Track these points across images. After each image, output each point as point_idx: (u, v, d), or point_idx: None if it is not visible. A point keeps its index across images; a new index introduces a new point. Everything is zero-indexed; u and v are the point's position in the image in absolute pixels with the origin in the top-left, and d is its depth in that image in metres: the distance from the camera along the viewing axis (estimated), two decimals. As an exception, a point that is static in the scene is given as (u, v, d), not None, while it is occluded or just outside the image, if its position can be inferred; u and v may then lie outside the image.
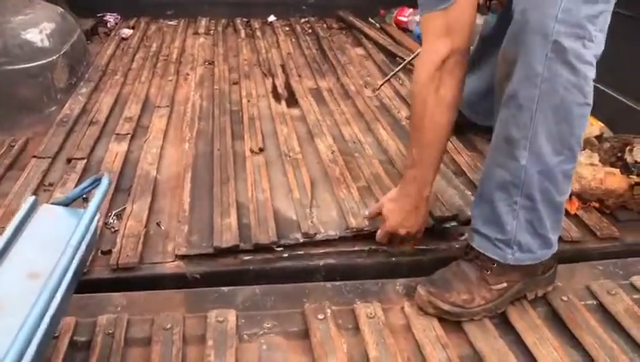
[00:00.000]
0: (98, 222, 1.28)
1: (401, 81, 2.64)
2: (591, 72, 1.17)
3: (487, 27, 1.93)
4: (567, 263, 1.43)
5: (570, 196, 1.61)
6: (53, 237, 1.06)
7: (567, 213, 1.57)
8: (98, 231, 1.37)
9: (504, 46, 1.24)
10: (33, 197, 1.11)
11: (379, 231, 1.49)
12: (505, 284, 1.28)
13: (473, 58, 1.97)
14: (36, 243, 1.04)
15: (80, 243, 0.95)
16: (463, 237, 1.52)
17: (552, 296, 1.32)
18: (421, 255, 1.47)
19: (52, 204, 1.14)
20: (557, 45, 1.13)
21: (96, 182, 1.12)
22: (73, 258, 0.92)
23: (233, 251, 1.44)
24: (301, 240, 1.48)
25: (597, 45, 1.16)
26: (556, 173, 1.20)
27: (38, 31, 2.21)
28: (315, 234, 1.50)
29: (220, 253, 1.43)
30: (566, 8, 1.12)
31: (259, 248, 1.45)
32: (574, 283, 1.38)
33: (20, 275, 0.95)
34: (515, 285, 1.29)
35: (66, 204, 1.15)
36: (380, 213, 1.49)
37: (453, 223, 1.56)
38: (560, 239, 1.36)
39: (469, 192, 1.68)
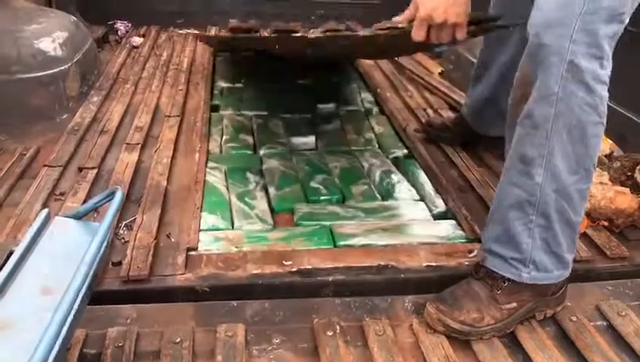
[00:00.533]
0: (110, 234, 1.29)
1: (409, 94, 2.65)
2: (606, 92, 1.18)
3: (491, 36, 1.94)
4: (576, 282, 1.42)
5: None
6: (66, 251, 1.07)
7: (576, 232, 1.57)
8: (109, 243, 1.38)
9: (521, 67, 1.25)
10: (46, 210, 1.12)
11: (414, 25, 1.38)
12: (515, 304, 1.28)
13: (478, 68, 2.00)
14: (49, 258, 1.04)
15: (94, 260, 0.96)
16: (471, 255, 1.52)
17: (562, 316, 1.32)
18: (430, 272, 1.47)
19: (65, 216, 1.15)
20: (572, 65, 1.14)
21: (110, 196, 1.13)
22: (88, 275, 0.92)
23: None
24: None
25: (610, 64, 1.17)
26: (572, 192, 1.21)
27: (51, 40, 2.22)
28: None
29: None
30: (581, 29, 1.13)
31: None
32: (584, 303, 1.37)
33: (34, 291, 0.96)
34: (525, 305, 1.29)
35: (79, 216, 1.15)
36: (413, 14, 1.39)
37: (495, 23, 1.53)
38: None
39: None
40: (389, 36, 1.50)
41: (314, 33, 1.67)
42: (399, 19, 1.45)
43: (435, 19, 1.35)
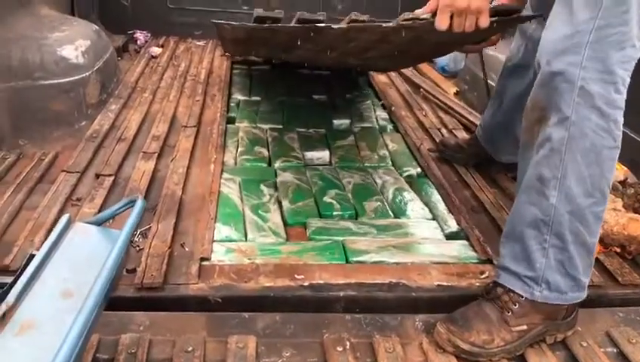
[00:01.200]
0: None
1: (424, 113, 2.67)
2: (621, 116, 1.21)
3: (508, 62, 1.97)
4: (588, 308, 1.42)
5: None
6: (86, 257, 1.09)
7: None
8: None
9: (534, 93, 1.28)
10: (67, 215, 1.14)
11: (437, 14, 1.39)
12: (525, 326, 1.28)
13: (494, 97, 2.03)
14: (69, 262, 1.06)
15: (115, 266, 0.97)
16: (483, 276, 1.53)
17: (572, 340, 1.32)
18: (440, 291, 1.48)
19: (85, 222, 1.17)
20: (583, 91, 1.17)
21: (130, 203, 1.15)
22: (109, 280, 0.94)
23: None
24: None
25: (626, 88, 1.19)
26: (587, 214, 1.23)
27: (74, 47, 2.27)
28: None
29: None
30: (591, 57, 1.16)
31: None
32: (594, 329, 1.37)
33: (55, 293, 0.97)
34: (536, 328, 1.29)
35: (98, 223, 1.17)
36: (436, 5, 1.40)
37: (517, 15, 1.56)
38: (580, 283, 1.36)
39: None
40: (412, 28, 1.50)
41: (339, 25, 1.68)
42: (422, 11, 1.46)
43: (458, 4, 1.36)
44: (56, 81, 2.17)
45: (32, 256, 1.12)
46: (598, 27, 1.16)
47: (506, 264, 1.32)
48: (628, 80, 1.20)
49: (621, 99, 1.20)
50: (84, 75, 2.28)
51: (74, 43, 2.29)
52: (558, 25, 1.22)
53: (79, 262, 1.07)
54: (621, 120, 1.21)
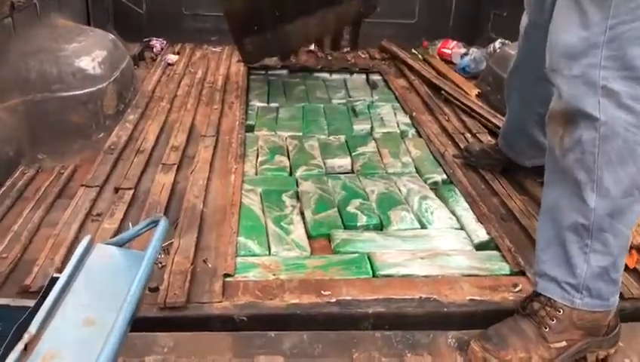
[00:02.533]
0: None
1: (446, 117, 2.61)
2: None
3: (512, 65, 1.93)
4: (628, 322, 1.36)
5: (630, 249, 1.55)
6: (109, 281, 1.06)
7: (627, 267, 1.50)
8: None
9: (556, 98, 1.25)
10: (88, 236, 1.10)
11: None
12: (564, 343, 1.23)
13: (507, 98, 1.98)
14: (91, 287, 1.03)
15: (140, 293, 0.94)
16: (516, 289, 1.47)
17: (615, 358, 1.26)
18: (473, 306, 1.42)
19: (106, 243, 1.13)
20: (607, 90, 1.15)
21: (153, 223, 1.11)
22: (133, 309, 0.90)
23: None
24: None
25: None
26: (627, 213, 1.20)
27: (91, 59, 2.25)
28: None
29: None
30: (609, 55, 1.14)
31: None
32: (636, 343, 1.31)
33: (77, 322, 0.94)
34: (576, 344, 1.24)
35: (120, 244, 1.14)
36: None
37: None
38: (620, 296, 1.31)
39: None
40: None
41: None
42: None
43: None
44: (73, 93, 2.16)
45: (53, 279, 1.09)
46: (611, 26, 1.13)
47: (544, 270, 1.27)
48: None
49: None
50: (101, 85, 2.26)
51: (91, 54, 2.28)
52: (570, 28, 1.18)
53: (101, 287, 1.03)
54: None
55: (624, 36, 1.13)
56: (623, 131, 1.15)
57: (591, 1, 1.14)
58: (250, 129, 2.49)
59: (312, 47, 3.62)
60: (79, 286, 1.03)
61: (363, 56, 3.63)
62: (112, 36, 2.60)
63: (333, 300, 1.41)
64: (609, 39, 1.13)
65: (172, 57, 3.31)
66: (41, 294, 1.05)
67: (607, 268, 1.21)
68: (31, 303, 1.08)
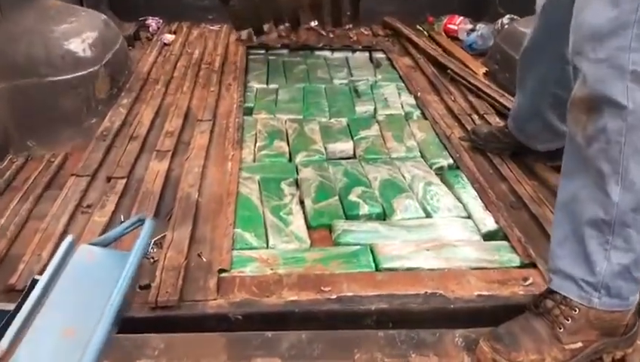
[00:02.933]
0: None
1: (452, 97, 2.51)
2: None
3: (526, 45, 1.81)
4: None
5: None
6: (92, 284, 0.99)
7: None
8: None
9: (580, 84, 1.15)
10: (70, 237, 1.04)
11: None
12: (580, 344, 1.15)
13: (518, 80, 1.88)
14: (73, 292, 0.96)
15: (121, 300, 0.87)
16: (527, 283, 1.40)
17: (632, 358, 1.19)
18: (481, 302, 1.35)
19: (90, 244, 1.07)
20: (636, 75, 1.05)
21: (139, 222, 1.04)
22: (114, 318, 0.83)
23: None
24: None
25: None
26: None
27: (81, 40, 2.15)
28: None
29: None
30: (639, 35, 1.03)
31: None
32: (655, 342, 1.24)
33: (55, 333, 0.87)
34: (592, 345, 1.16)
35: (105, 244, 1.07)
36: None
37: None
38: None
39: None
40: None
41: None
42: None
43: None
44: (63, 77, 2.06)
45: (34, 281, 1.02)
46: None
47: (560, 266, 1.18)
48: None
49: None
50: (92, 69, 2.17)
51: (81, 35, 2.18)
52: (596, 6, 1.09)
53: (83, 292, 0.97)
54: None
55: None
56: None
57: None
58: (248, 112, 2.39)
59: (313, 23, 3.51)
60: (60, 292, 0.97)
61: (366, 33, 3.52)
62: (105, 16, 2.50)
63: (334, 296, 1.34)
64: None
65: (168, 37, 3.21)
66: (20, 299, 0.99)
67: (629, 266, 1.12)
68: (11, 306, 1.02)
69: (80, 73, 2.11)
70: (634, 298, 1.16)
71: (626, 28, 1.04)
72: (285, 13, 2.99)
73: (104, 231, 1.51)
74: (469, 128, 2.15)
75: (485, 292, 1.37)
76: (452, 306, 1.33)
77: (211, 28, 3.48)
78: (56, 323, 0.89)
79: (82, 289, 0.98)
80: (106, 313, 0.83)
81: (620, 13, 1.05)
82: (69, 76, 2.08)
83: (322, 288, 1.36)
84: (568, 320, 1.16)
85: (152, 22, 3.42)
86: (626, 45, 1.05)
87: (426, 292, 1.36)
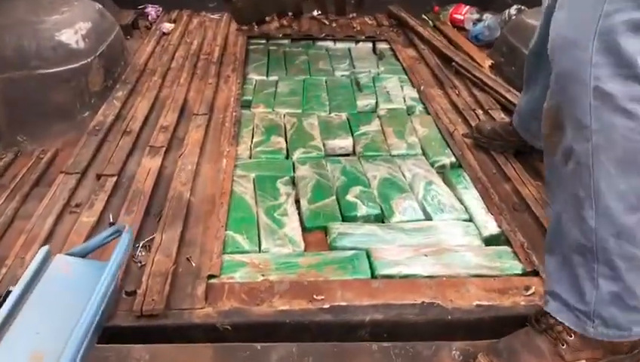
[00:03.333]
0: (117, 278, 1.13)
1: (456, 91, 2.43)
2: None
3: (532, 43, 1.73)
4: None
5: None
6: (67, 299, 0.94)
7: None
8: (119, 278, 1.23)
9: (548, 96, 1.07)
10: (46, 247, 0.98)
11: None
12: (584, 362, 1.10)
13: (526, 78, 1.80)
14: (46, 308, 0.91)
15: (94, 320, 0.82)
16: (528, 292, 1.34)
17: (638, 376, 1.13)
18: (480, 313, 1.29)
19: (67, 254, 1.01)
20: (599, 92, 0.95)
21: (117, 233, 0.99)
22: (85, 338, 0.78)
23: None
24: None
25: None
26: (637, 232, 1.01)
27: (74, 32, 2.09)
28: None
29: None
30: (601, 49, 0.94)
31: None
32: (662, 357, 1.18)
33: (24, 357, 0.82)
34: (596, 363, 1.10)
35: (83, 255, 1.02)
36: None
37: None
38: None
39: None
40: None
41: None
42: None
43: None
44: (54, 70, 2.00)
45: (8, 294, 0.97)
46: (607, 13, 0.94)
47: (554, 288, 1.12)
48: None
49: None
50: (85, 61, 2.10)
51: (73, 26, 2.11)
52: (564, 10, 1.01)
53: (57, 307, 0.92)
54: None
55: (621, 26, 0.93)
56: (620, 139, 0.97)
57: None
58: (246, 105, 2.33)
59: (315, 12, 3.43)
60: (32, 307, 0.92)
61: (370, 22, 3.43)
62: (99, 6, 2.43)
63: (327, 306, 1.28)
64: (603, 29, 0.94)
65: (167, 26, 3.13)
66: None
67: (620, 294, 1.04)
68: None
69: (72, 65, 2.05)
70: (638, 329, 1.07)
71: (586, 39, 0.95)
72: (289, 7, 2.92)
73: (91, 233, 1.46)
74: (472, 124, 2.08)
75: (485, 302, 1.31)
76: (450, 317, 1.28)
77: (212, 16, 3.40)
78: (24, 347, 0.83)
79: (57, 304, 0.93)
80: (73, 338, 0.78)
81: (581, 22, 0.96)
82: (60, 69, 2.02)
83: (315, 296, 1.30)
84: (571, 337, 1.10)
85: (152, 10, 3.35)
86: (588, 58, 0.96)
87: (423, 302, 1.30)
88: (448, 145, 2.01)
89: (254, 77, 2.61)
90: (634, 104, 0.96)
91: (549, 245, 1.15)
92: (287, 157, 1.96)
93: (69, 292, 0.95)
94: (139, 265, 1.39)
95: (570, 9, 1.00)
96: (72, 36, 2.08)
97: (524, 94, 1.86)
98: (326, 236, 1.56)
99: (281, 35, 3.13)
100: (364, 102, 2.38)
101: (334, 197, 1.71)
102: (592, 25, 0.95)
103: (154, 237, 1.46)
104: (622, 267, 1.03)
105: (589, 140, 0.98)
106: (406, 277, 1.39)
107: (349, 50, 3.04)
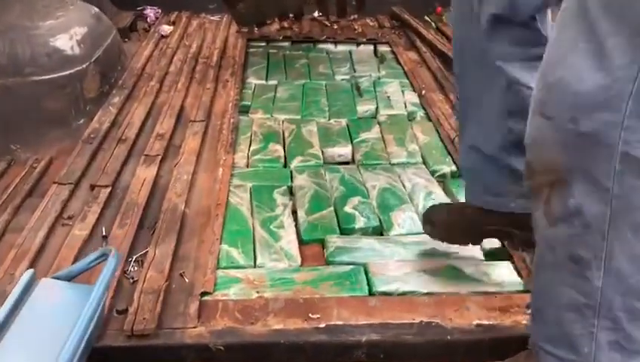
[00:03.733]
0: (104, 300, 1.10)
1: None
2: None
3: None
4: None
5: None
6: (52, 324, 0.91)
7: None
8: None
9: (547, 148, 0.94)
10: (31, 271, 0.95)
11: None
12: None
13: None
14: (30, 335, 0.88)
15: (79, 345, 0.79)
16: (529, 310, 1.30)
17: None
18: (480, 333, 1.25)
19: (53, 278, 0.99)
20: (627, 157, 0.86)
21: (103, 256, 0.96)
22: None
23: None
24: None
25: None
26: None
27: (69, 37, 2.05)
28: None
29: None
30: (636, 112, 0.84)
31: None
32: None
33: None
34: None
35: (69, 278, 0.99)
36: None
37: None
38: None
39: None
40: None
41: None
42: None
43: None
44: (49, 77, 1.97)
45: (-7, 317, 0.94)
46: None
47: (543, 345, 1.05)
48: None
49: None
50: (80, 67, 2.07)
51: (69, 31, 2.08)
52: (582, 67, 0.87)
53: (41, 334, 0.89)
54: None
55: None
56: None
57: (614, 33, 0.83)
58: (244, 110, 2.30)
59: (316, 14, 3.38)
60: (15, 335, 0.89)
61: (371, 23, 3.39)
62: (96, 9, 2.39)
63: (322, 326, 1.25)
64: (638, 91, 0.84)
65: (166, 28, 3.10)
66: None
67: (621, 343, 0.98)
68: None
69: (67, 72, 2.02)
70: None
71: (620, 101, 0.85)
72: (290, 9, 2.89)
73: (83, 247, 1.44)
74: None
75: (485, 322, 1.27)
76: (449, 337, 1.24)
77: (212, 18, 3.37)
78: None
79: (41, 330, 0.90)
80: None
81: (612, 82, 0.85)
82: (55, 75, 1.98)
83: (310, 315, 1.27)
84: (575, 369, 1.06)
85: (151, 12, 3.31)
86: (619, 121, 0.85)
87: (422, 322, 1.26)
88: (449, 153, 1.97)
89: (253, 81, 2.58)
90: None
91: (537, 309, 1.09)
92: (285, 165, 1.93)
93: (54, 316, 0.92)
94: (131, 281, 1.36)
95: (588, 66, 0.87)
96: (67, 42, 2.04)
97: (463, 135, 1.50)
98: (323, 249, 1.53)
99: (281, 38, 3.10)
100: (364, 107, 2.35)
101: (332, 209, 1.68)
102: (627, 86, 0.84)
103: (147, 252, 1.44)
104: (623, 318, 0.98)
105: (608, 204, 0.90)
106: (404, 294, 1.36)
107: (350, 52, 3.01)
